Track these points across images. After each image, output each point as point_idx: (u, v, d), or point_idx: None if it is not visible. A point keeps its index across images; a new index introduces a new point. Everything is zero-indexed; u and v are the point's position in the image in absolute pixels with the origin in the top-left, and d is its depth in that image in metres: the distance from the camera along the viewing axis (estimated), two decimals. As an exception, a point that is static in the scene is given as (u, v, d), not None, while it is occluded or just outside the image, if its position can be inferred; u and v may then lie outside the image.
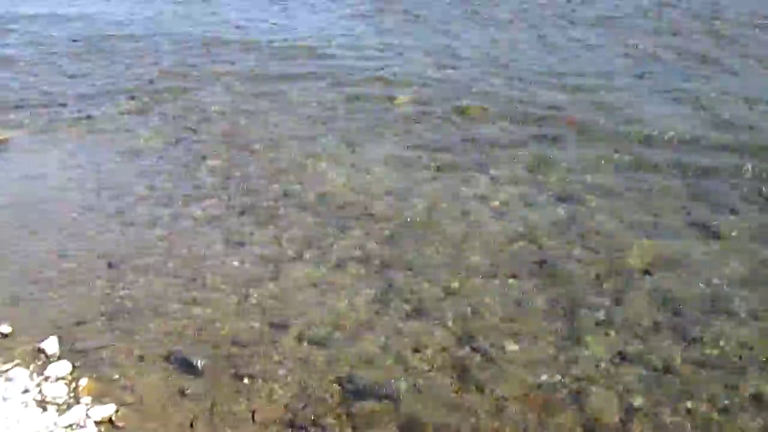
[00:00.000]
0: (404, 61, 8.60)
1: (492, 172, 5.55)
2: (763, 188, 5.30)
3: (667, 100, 7.14)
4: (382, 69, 8.38)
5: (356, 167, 5.76)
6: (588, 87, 7.47)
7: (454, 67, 8.21)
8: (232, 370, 3.51)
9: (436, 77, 7.89)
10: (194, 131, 6.64)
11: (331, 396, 3.35)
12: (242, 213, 5.10)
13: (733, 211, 5.01)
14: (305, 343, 3.70)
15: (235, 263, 4.46)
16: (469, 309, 3.95)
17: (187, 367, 3.51)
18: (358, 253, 4.53)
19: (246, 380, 3.45)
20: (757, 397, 3.32)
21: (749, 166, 5.64)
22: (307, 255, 4.53)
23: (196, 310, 3.98)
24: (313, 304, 4.02)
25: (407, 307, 3.99)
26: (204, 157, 6.03)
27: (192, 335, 3.78)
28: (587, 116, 6.65)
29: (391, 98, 7.34)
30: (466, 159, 5.85)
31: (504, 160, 5.74)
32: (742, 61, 8.61)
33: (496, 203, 5.09)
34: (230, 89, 7.86)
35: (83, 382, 3.41)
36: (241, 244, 4.68)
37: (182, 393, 3.35)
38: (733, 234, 4.69)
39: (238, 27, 10.69)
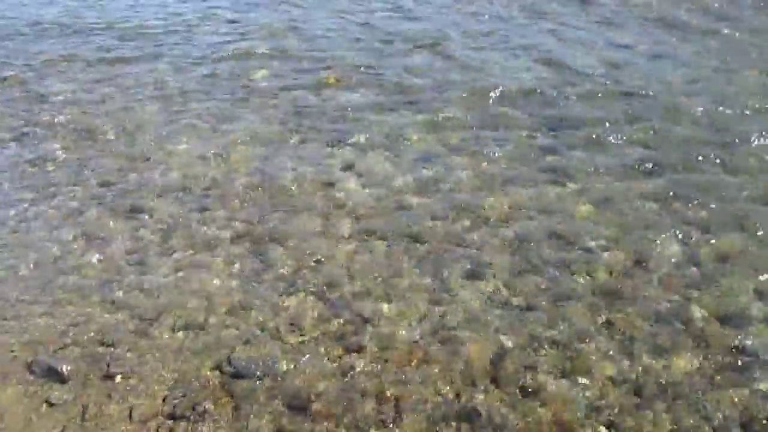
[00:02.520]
0: (258, 36, 8.38)
1: (355, 139, 5.59)
2: (607, 131, 5.72)
3: (516, 55, 7.49)
4: (237, 45, 8.13)
5: (218, 146, 5.59)
6: (443, 48, 7.65)
7: (308, 39, 8.11)
8: (103, 371, 3.35)
9: (292, 50, 7.76)
10: (36, 124, 6.15)
11: (211, 381, 3.30)
12: (99, 205, 4.82)
13: (582, 155, 5.37)
14: (179, 333, 3.60)
15: (96, 259, 4.23)
16: (342, 276, 4.00)
17: (51, 374, 3.31)
18: (226, 233, 4.44)
19: (119, 379, 3.31)
20: (609, 322, 3.65)
21: (595, 113, 6.06)
22: (173, 242, 4.38)
23: (57, 314, 3.74)
24: (184, 292, 3.90)
25: (281, 282, 3.98)
26: (50, 151, 5.61)
27: (55, 341, 3.56)
28: (443, 77, 6.84)
29: (248, 74, 7.16)
30: (329, 129, 5.85)
31: (366, 127, 5.80)
32: (582, 14, 9.17)
33: (361, 169, 5.15)
34: (75, 76, 7.32)
35: (-68, 408, 3.14)
36: (101, 238, 4.43)
37: (48, 403, 3.17)
38: (584, 176, 5.05)
39: (78, 8, 9.94)
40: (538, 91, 6.52)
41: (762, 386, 3.25)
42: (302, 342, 3.52)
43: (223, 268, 4.12)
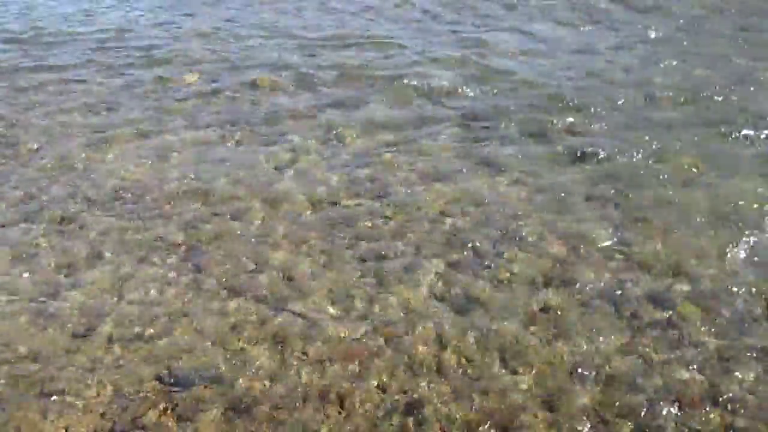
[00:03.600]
0: (185, 39, 8.24)
1: (290, 140, 5.57)
2: (536, 121, 5.89)
3: (442, 51, 7.62)
4: (166, 49, 7.97)
5: (149, 154, 5.47)
6: (371, 47, 7.71)
7: (237, 40, 8.02)
8: (36, 390, 3.23)
9: (222, 52, 7.67)
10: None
11: (152, 392, 3.23)
12: (25, 219, 4.64)
13: (513, 146, 5.51)
14: (116, 346, 3.51)
15: (25, 275, 4.07)
16: (282, 278, 3.98)
17: (-19, 397, 3.18)
18: (162, 243, 4.35)
19: (54, 397, 3.20)
20: (544, 309, 3.75)
21: (523, 104, 6.23)
22: (106, 254, 4.25)
23: (-16, 334, 3.59)
24: (120, 304, 3.80)
25: (220, 287, 3.93)
26: (-30, 166, 5.38)
27: (-17, 362, 3.42)
28: (373, 75, 6.89)
29: (178, 78, 7.03)
30: (264, 131, 5.81)
31: (301, 128, 5.78)
32: (507, 8, 9.39)
33: (297, 171, 5.13)
34: (-6, 85, 7.03)
35: None
36: (29, 254, 4.26)
37: (-21, 427, 3.05)
38: (516, 167, 5.18)
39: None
40: (467, 84, 6.66)
41: (692, 361, 3.40)
42: (244, 347, 3.48)
43: (159, 277, 4.03)
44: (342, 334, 3.56)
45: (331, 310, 3.73)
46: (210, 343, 3.51)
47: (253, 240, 4.35)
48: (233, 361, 3.38)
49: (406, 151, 5.40)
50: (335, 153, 5.39)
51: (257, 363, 3.38)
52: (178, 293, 3.89)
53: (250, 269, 4.08)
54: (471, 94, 6.50)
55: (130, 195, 4.88)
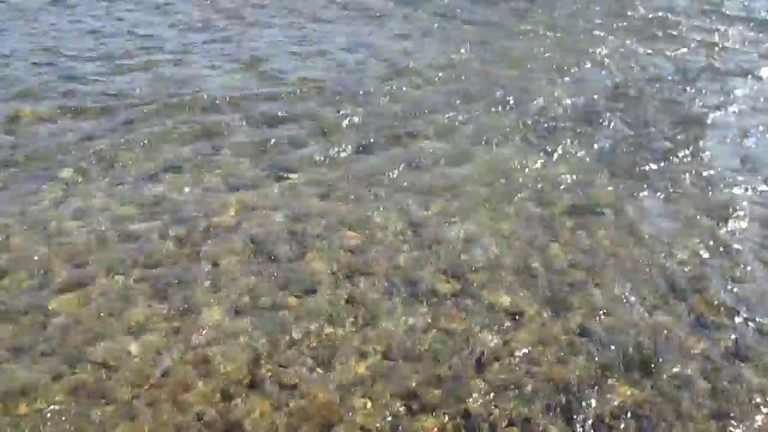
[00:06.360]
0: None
1: (62, 174, 5.11)
2: (319, 121, 6.02)
3: (223, 62, 7.48)
4: None
5: None
6: (141, 69, 7.28)
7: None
8: None
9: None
10: None
11: (-71, 486, 2.84)
12: None
13: (300, 147, 5.59)
14: None
15: None
16: (73, 325, 3.67)
17: None
18: None
19: None
20: (349, 301, 3.87)
21: (299, 107, 6.32)
22: None
23: None
24: None
25: (5, 350, 3.52)
26: None
27: None
28: (151, 93, 6.57)
29: None
30: (31, 168, 5.25)
31: (73, 159, 5.31)
32: (283, 13, 9.44)
33: (77, 204, 4.74)
34: None
35: None
36: None
37: None
38: (305, 167, 5.27)
39: None
40: (249, 93, 6.61)
41: (485, 324, 3.71)
42: (37, 409, 3.17)
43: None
44: (148, 370, 3.38)
45: (133, 349, 3.52)
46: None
47: (35, 289, 3.95)
48: (24, 428, 3.07)
49: (194, 167, 5.23)
50: (116, 180, 5.05)
51: (52, 425, 3.09)
52: (-50, 366, 3.43)
53: (34, 323, 3.71)
54: (252, 101, 6.45)
55: None
